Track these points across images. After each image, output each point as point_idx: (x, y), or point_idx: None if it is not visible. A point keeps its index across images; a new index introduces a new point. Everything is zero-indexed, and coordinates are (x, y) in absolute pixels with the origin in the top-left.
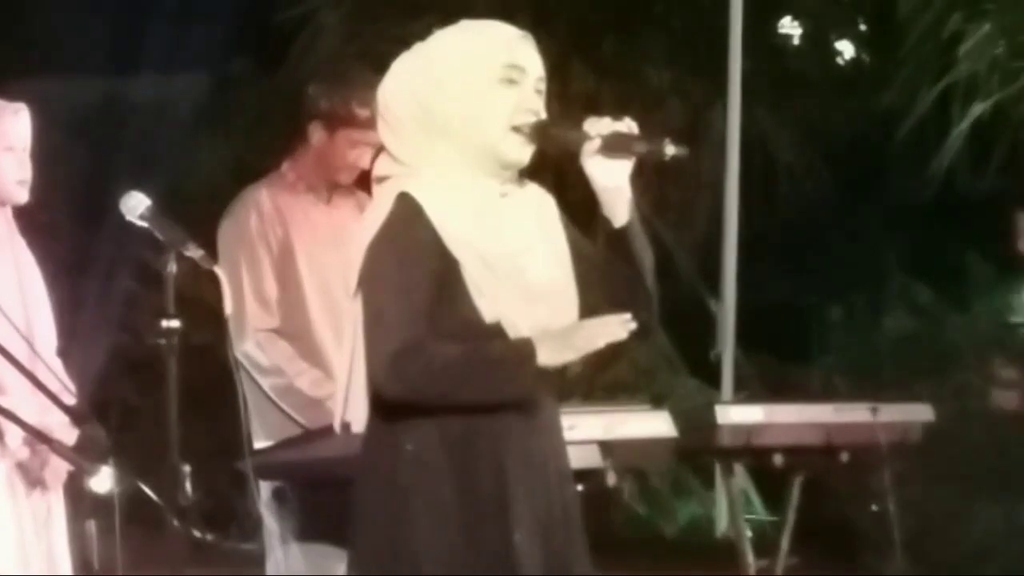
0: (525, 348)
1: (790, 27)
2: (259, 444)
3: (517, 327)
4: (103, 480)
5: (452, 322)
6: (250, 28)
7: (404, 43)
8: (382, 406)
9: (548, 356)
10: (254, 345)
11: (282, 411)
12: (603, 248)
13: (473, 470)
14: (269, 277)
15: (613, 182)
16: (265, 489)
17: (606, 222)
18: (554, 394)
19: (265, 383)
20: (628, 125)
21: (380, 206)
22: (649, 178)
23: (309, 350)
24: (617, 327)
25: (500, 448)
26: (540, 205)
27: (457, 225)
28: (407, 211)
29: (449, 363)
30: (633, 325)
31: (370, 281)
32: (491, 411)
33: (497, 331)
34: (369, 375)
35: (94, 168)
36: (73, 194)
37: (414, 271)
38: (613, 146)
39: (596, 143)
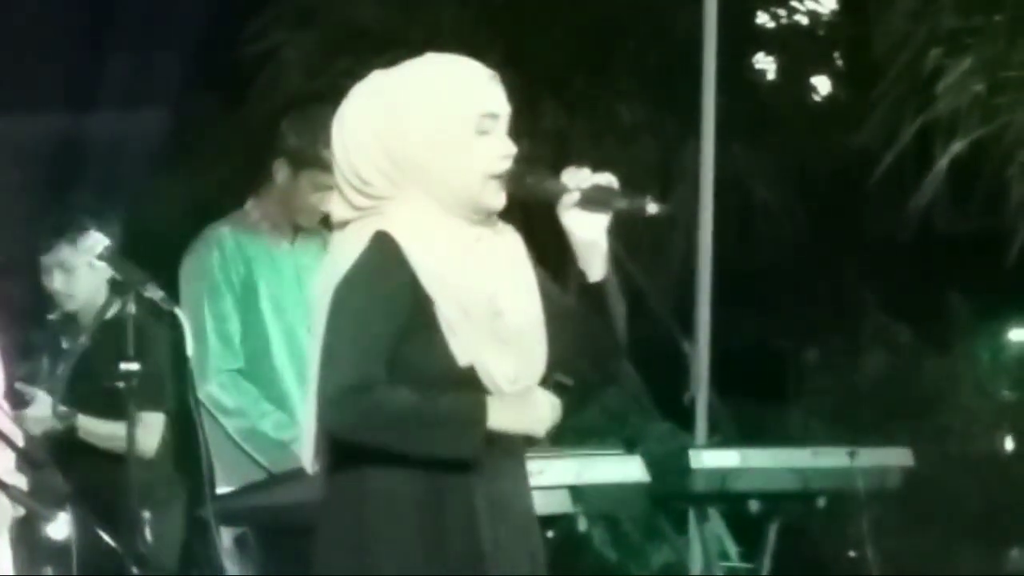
0: (476, 410)
1: (765, 63)
2: (222, 489)
3: (490, 371)
4: (60, 526)
5: (425, 363)
6: (212, 63)
7: None
8: (346, 446)
9: (499, 422)
10: (217, 386)
11: (246, 454)
12: (576, 301)
13: (441, 512)
14: (232, 316)
15: (590, 236)
16: (227, 536)
17: (580, 275)
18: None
19: (229, 425)
20: (608, 179)
21: (352, 244)
22: (621, 217)
23: (272, 392)
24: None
25: (470, 490)
26: (512, 247)
27: (434, 265)
28: (385, 250)
29: (396, 411)
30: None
31: (333, 317)
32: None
33: (470, 375)
34: (317, 410)
35: (50, 207)
36: (28, 233)
37: (380, 312)
38: (592, 200)
39: (575, 196)
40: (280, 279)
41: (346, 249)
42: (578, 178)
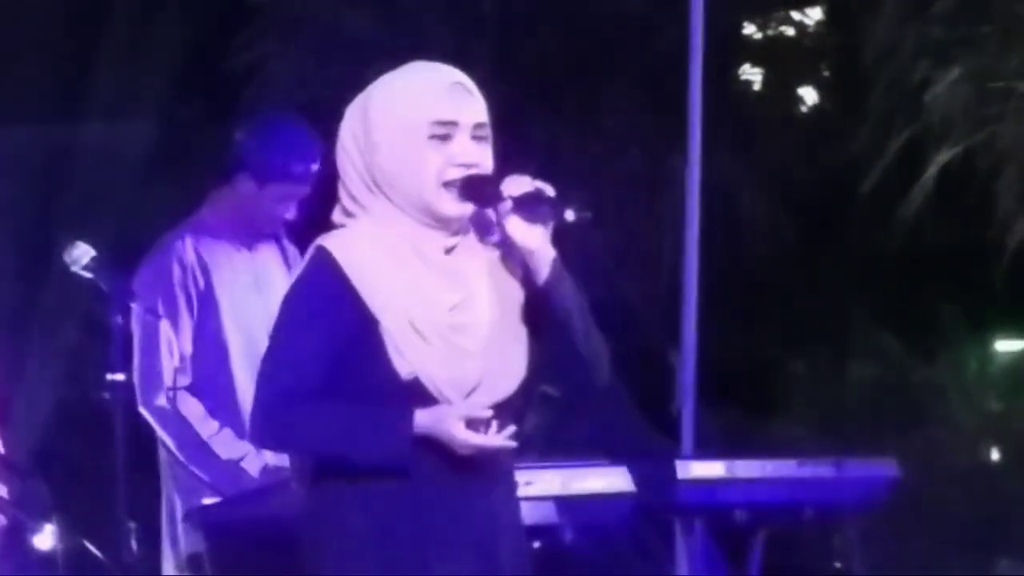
0: (400, 418)
1: (752, 74)
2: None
3: (436, 383)
4: (46, 537)
5: (370, 373)
6: (199, 74)
7: (356, 89)
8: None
9: (425, 425)
10: (166, 402)
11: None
12: (528, 308)
13: (393, 534)
14: (186, 332)
15: (529, 244)
16: (184, 552)
17: (529, 280)
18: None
19: (172, 443)
20: (544, 188)
21: (304, 260)
22: (608, 227)
23: (228, 401)
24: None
25: (454, 507)
26: (487, 256)
27: (381, 284)
28: (318, 264)
29: (318, 419)
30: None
31: (273, 330)
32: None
33: (414, 386)
34: (248, 419)
35: (38, 218)
36: (16, 245)
37: (311, 326)
38: (522, 208)
39: (509, 204)
40: (239, 287)
41: (302, 262)
42: (516, 185)
